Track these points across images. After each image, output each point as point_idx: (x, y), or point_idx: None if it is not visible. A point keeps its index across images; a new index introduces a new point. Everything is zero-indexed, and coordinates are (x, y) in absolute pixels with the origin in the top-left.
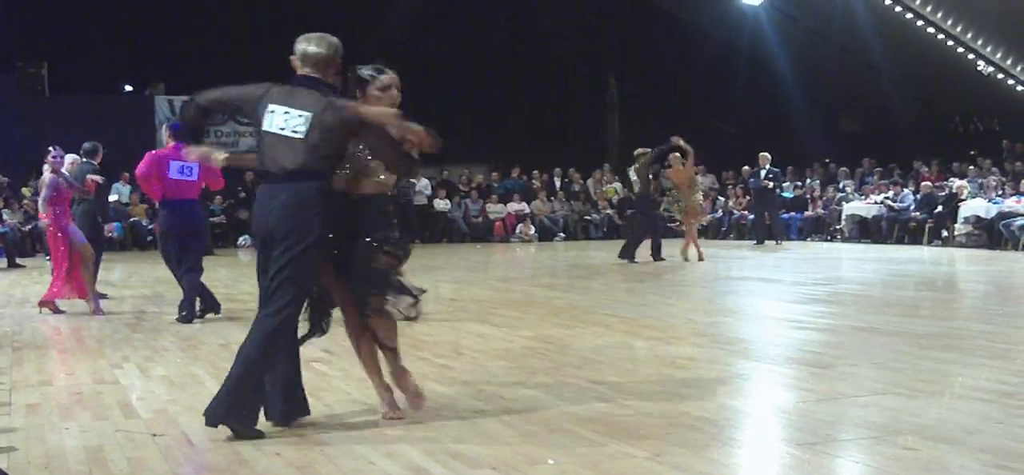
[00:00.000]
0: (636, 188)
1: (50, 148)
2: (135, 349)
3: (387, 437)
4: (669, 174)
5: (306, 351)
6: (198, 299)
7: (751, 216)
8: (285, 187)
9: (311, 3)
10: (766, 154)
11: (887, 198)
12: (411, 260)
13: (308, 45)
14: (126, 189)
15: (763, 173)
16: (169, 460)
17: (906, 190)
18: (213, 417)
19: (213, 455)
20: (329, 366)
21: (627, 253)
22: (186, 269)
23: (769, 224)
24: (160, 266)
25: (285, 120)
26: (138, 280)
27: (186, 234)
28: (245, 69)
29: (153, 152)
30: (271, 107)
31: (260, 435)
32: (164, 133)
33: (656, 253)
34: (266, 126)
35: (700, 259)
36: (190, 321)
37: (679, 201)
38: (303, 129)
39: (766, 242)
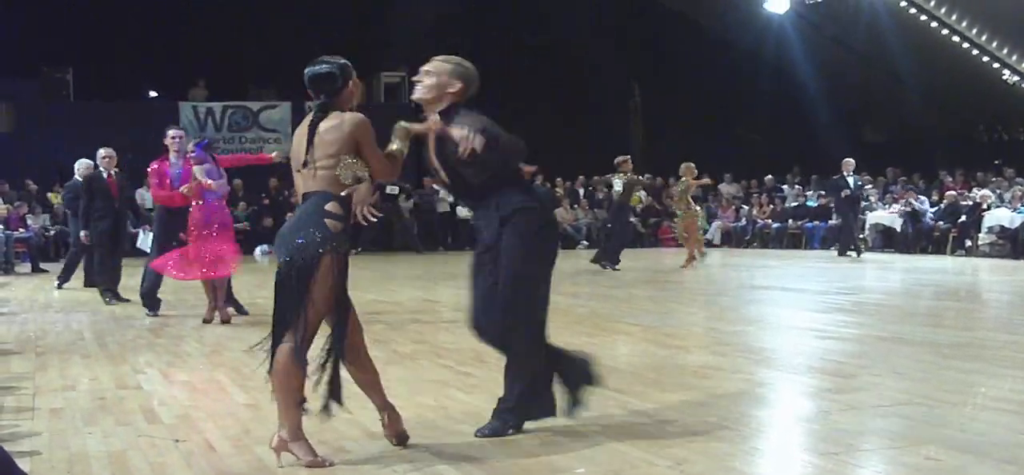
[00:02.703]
0: (618, 197)
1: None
2: (158, 355)
3: (410, 446)
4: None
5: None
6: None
7: (829, 223)
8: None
9: (331, 10)
10: (850, 160)
11: (905, 205)
12: (439, 266)
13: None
14: (149, 195)
15: (854, 180)
16: (191, 466)
17: (922, 197)
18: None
19: (235, 461)
20: None
21: (611, 257)
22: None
23: (852, 233)
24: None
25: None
26: (161, 286)
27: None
28: (271, 75)
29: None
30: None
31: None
32: (189, 146)
33: (613, 259)
34: None
35: (684, 266)
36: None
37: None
38: None
39: (848, 253)
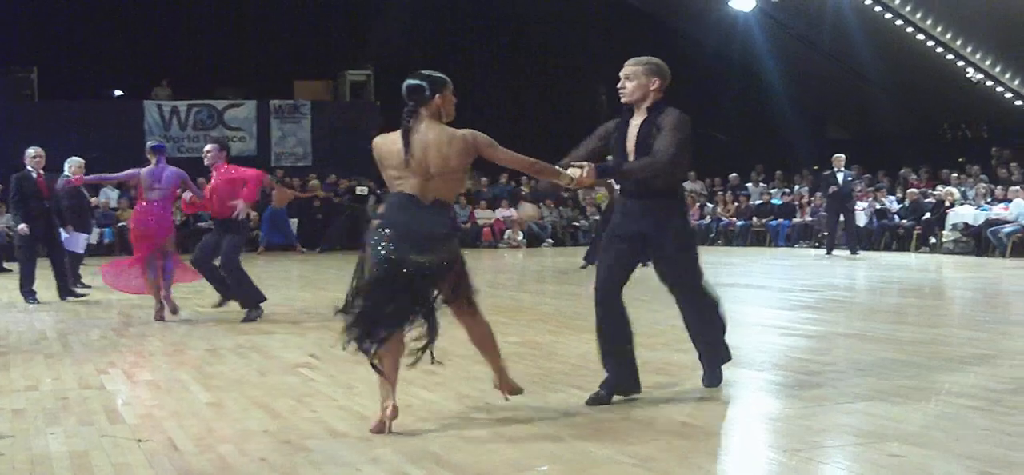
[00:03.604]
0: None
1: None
2: (121, 354)
3: (373, 444)
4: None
5: (293, 357)
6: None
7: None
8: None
9: (297, 9)
10: (841, 155)
11: (872, 203)
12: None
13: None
14: (115, 194)
15: (843, 175)
16: (154, 466)
17: (891, 197)
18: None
19: (198, 460)
20: (315, 372)
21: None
22: None
23: (845, 231)
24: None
25: None
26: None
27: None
28: (237, 74)
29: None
30: None
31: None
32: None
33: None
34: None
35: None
36: None
37: None
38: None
39: (834, 253)
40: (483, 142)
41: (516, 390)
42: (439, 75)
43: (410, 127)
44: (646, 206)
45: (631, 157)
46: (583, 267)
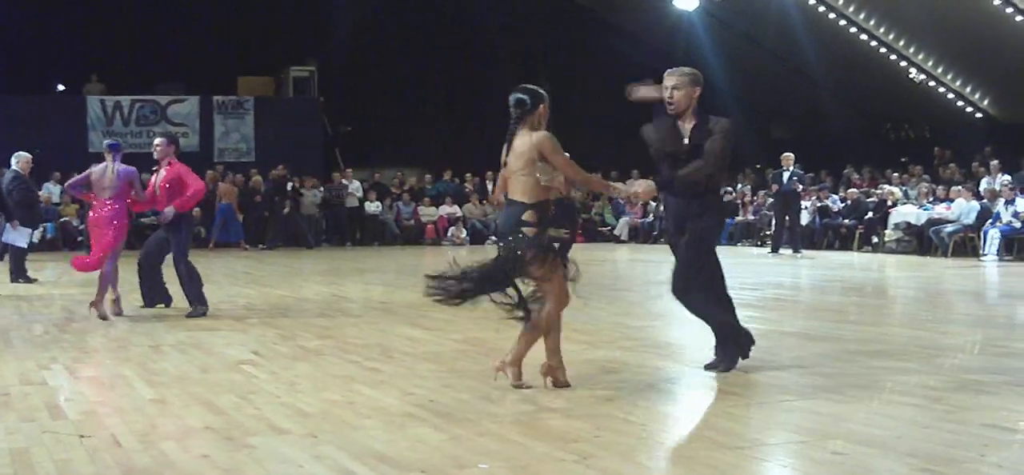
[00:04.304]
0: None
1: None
2: (64, 350)
3: (315, 440)
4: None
5: (236, 353)
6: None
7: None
8: None
9: (241, 6)
10: (789, 154)
11: (815, 201)
12: (347, 262)
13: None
14: (57, 189)
15: (788, 175)
16: (96, 462)
17: (834, 196)
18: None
19: (140, 457)
20: (258, 369)
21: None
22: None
23: (790, 230)
24: None
25: None
26: (68, 280)
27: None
28: (181, 69)
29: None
30: None
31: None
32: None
33: None
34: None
35: None
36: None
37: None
38: None
39: (780, 251)
40: (546, 146)
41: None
42: (540, 90)
43: (514, 133)
44: (689, 203)
45: (685, 159)
46: None
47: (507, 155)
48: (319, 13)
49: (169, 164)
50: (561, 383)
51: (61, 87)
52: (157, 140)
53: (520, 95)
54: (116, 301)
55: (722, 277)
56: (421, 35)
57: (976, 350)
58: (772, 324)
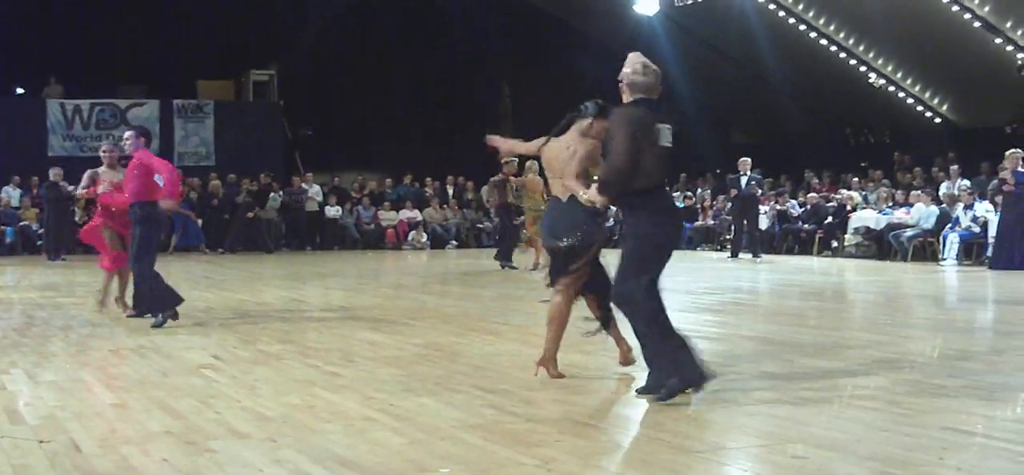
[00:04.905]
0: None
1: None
2: (23, 354)
3: (275, 444)
4: (526, 183)
5: (196, 357)
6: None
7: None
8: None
9: (202, 10)
10: (747, 159)
11: (774, 206)
12: (306, 266)
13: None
14: (16, 192)
15: (747, 179)
16: (56, 466)
17: (793, 201)
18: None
19: (101, 462)
20: (219, 373)
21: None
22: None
23: (749, 235)
24: (50, 270)
25: (669, 136)
26: (28, 284)
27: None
28: (139, 73)
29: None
30: (658, 127)
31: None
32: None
33: (505, 258)
34: (663, 142)
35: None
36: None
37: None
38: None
39: (740, 255)
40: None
41: (555, 375)
42: (604, 104)
43: (563, 131)
44: (625, 210)
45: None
46: (503, 267)
47: (554, 152)
48: (280, 17)
49: (137, 154)
50: (554, 375)
51: (20, 90)
52: (127, 133)
53: (590, 102)
54: (103, 300)
55: (661, 307)
56: (382, 40)
57: (935, 354)
58: (732, 328)
